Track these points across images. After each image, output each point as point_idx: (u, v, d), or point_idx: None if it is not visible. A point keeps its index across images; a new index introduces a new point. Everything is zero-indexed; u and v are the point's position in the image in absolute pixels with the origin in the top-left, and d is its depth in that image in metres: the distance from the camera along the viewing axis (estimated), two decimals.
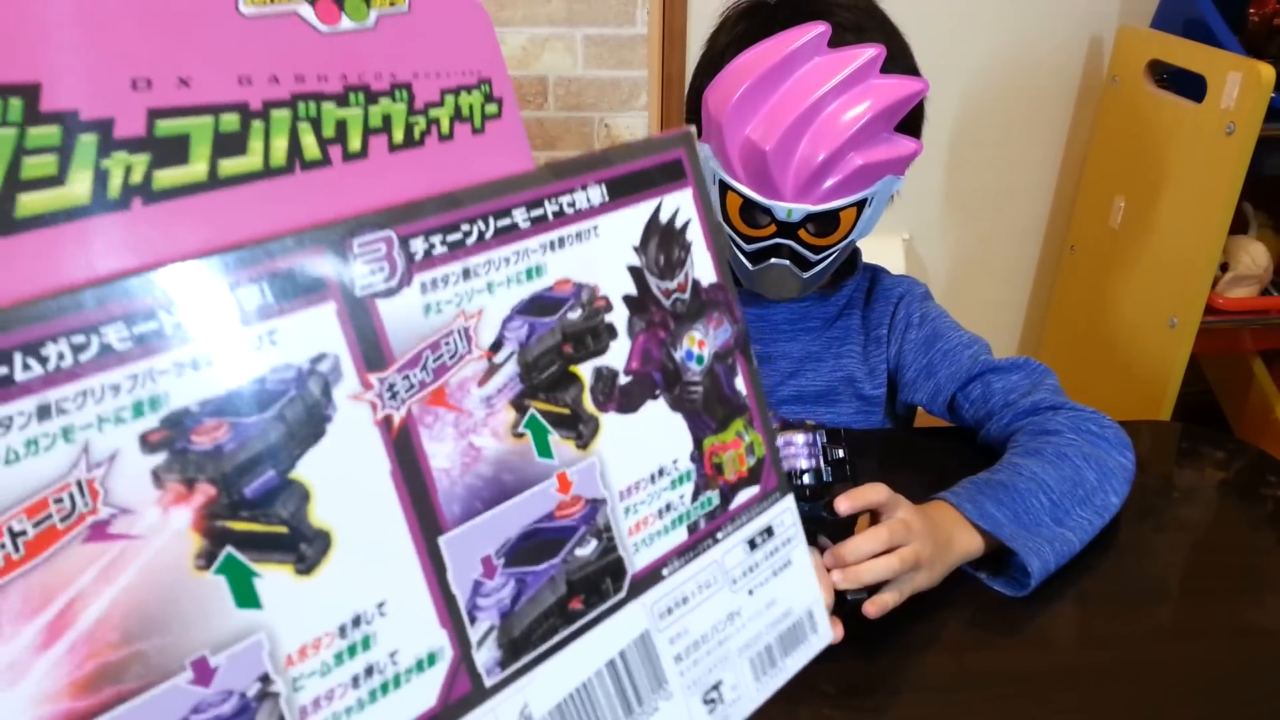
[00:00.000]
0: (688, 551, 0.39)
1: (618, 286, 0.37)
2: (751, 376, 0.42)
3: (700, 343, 0.39)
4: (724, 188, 0.79)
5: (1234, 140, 1.51)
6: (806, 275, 0.82)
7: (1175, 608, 0.74)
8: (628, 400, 0.37)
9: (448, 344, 0.32)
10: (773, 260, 0.81)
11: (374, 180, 0.33)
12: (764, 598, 0.42)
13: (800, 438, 0.59)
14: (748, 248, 0.81)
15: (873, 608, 0.63)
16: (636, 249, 0.37)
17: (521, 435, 0.34)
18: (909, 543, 0.63)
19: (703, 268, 0.40)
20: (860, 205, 0.78)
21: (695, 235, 0.39)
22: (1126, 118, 1.79)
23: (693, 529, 0.40)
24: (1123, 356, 1.83)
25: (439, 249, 0.32)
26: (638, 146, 0.38)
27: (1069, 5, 1.85)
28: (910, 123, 0.78)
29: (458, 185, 0.33)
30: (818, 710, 0.61)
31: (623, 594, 0.37)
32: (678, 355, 0.39)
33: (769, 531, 0.43)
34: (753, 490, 0.42)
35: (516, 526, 0.34)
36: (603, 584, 0.37)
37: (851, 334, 0.93)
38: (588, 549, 0.36)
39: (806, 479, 0.60)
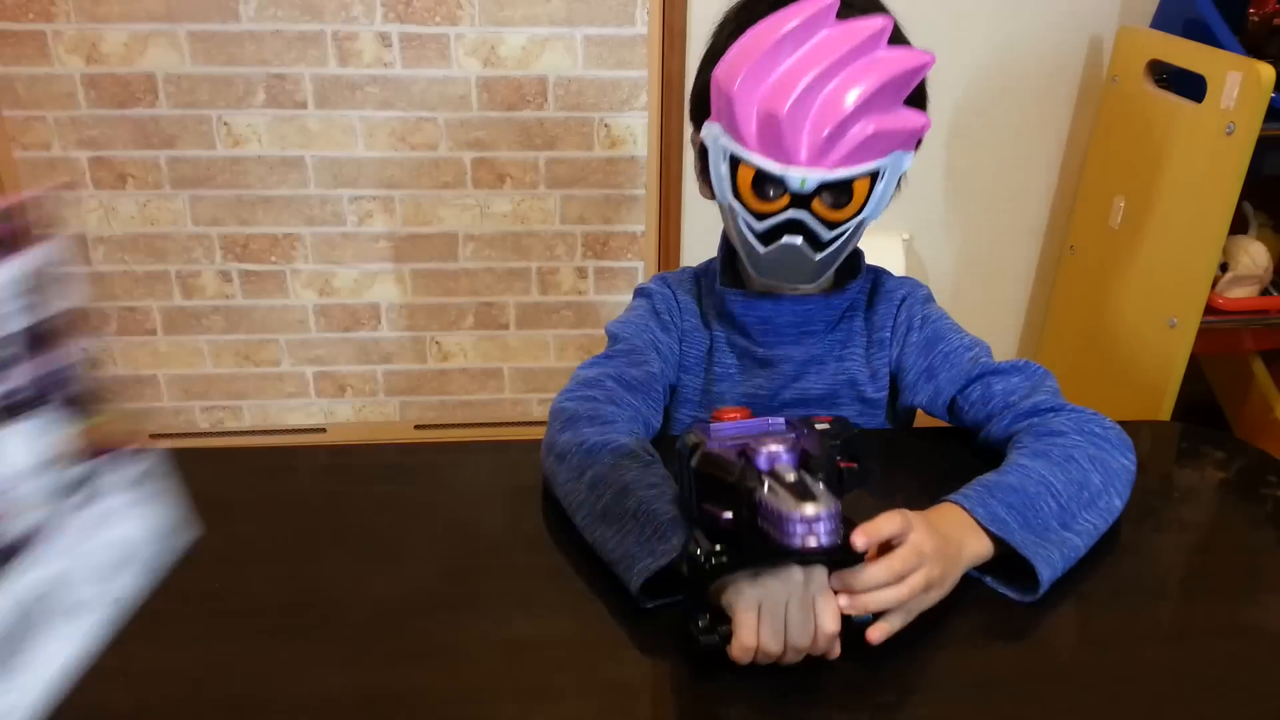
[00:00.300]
0: (75, 512, 0.53)
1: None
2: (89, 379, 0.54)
3: (57, 361, 0.51)
4: (735, 163, 0.78)
5: (1234, 140, 1.52)
6: (819, 256, 0.81)
7: (1175, 608, 0.74)
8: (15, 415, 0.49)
9: None
10: (785, 239, 0.80)
11: None
12: (140, 529, 0.58)
13: (824, 510, 0.54)
14: (759, 226, 0.80)
15: (876, 633, 0.62)
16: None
17: None
18: (920, 567, 0.63)
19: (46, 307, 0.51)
20: (873, 178, 0.77)
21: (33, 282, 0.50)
22: (1126, 118, 1.80)
23: (76, 496, 0.53)
24: (1123, 356, 1.83)
25: None
26: None
27: (1069, 5, 1.85)
28: (914, 102, 0.78)
29: None
30: (821, 711, 0.61)
31: (33, 556, 0.50)
32: (49, 372, 0.50)
33: (131, 485, 0.57)
34: (111, 458, 0.55)
35: None
36: (16, 556, 0.49)
37: (854, 337, 0.93)
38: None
39: (824, 540, 0.54)
